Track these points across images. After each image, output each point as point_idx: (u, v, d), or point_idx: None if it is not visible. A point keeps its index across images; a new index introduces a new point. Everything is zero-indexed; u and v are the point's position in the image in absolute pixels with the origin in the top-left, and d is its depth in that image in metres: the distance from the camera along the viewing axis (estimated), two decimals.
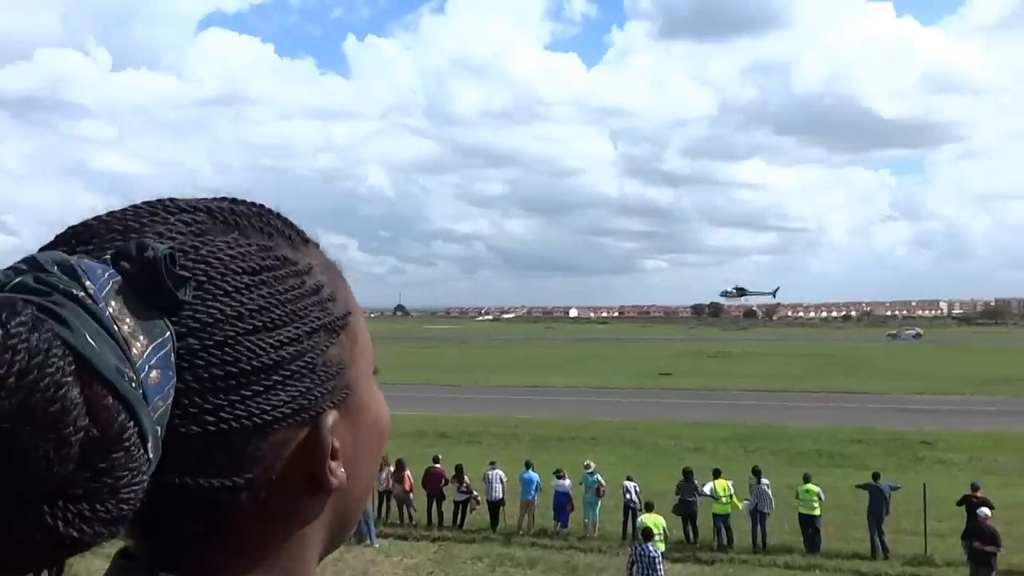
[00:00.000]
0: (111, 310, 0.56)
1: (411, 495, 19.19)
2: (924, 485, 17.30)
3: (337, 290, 0.73)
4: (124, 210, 0.68)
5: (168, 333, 0.58)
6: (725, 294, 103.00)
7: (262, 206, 0.74)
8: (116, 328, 0.55)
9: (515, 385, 50.10)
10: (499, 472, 19.27)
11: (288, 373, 0.63)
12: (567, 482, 18.65)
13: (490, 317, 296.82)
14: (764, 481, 18.10)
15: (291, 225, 0.75)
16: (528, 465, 19.41)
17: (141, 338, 0.56)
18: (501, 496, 19.13)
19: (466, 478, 19.03)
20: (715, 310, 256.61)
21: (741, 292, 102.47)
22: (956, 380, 50.17)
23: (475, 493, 19.09)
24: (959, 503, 16.05)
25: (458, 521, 19.10)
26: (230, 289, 0.63)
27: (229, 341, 0.61)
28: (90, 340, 0.53)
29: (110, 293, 0.57)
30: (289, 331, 0.64)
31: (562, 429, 31.79)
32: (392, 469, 18.80)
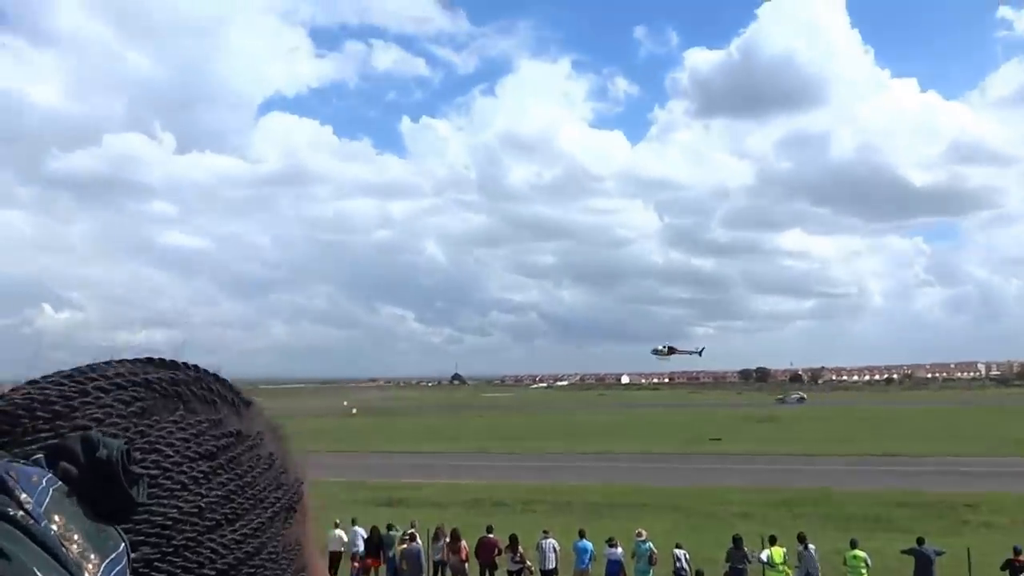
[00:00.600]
0: (55, 527, 0.46)
1: (466, 565, 19.52)
2: (968, 549, 17.51)
3: (286, 457, 0.69)
4: (43, 387, 0.58)
5: (123, 546, 0.50)
6: (656, 352, 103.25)
7: (198, 368, 0.69)
8: (64, 550, 0.46)
9: (569, 452, 50.52)
10: (552, 541, 19.52)
11: (251, 571, 0.58)
12: (619, 550, 18.95)
13: (544, 384, 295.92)
14: (811, 547, 18.41)
15: (230, 387, 0.71)
16: (581, 534, 19.74)
17: (92, 557, 0.48)
18: (554, 566, 19.35)
19: (520, 548, 19.22)
20: (762, 375, 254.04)
21: (671, 350, 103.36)
22: (998, 441, 49.11)
23: (528, 563, 19.20)
24: (1002, 567, 16.29)
25: None
26: (187, 481, 0.56)
27: (190, 544, 0.54)
28: (37, 573, 0.44)
29: (52, 506, 0.47)
30: (251, 520, 0.59)
31: (614, 496, 32.20)
32: (448, 539, 19.40)
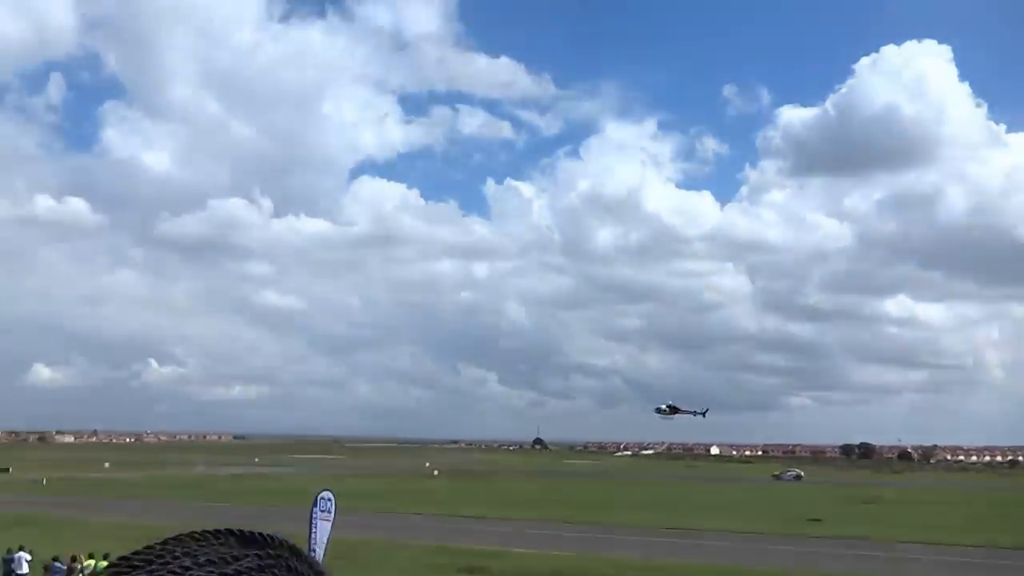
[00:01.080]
0: None
1: None
2: None
3: None
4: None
5: None
6: (659, 411, 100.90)
7: (281, 544, 0.78)
8: None
9: (656, 526, 48.45)
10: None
11: None
12: None
13: (629, 452, 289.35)
14: None
15: (310, 564, 0.80)
16: None
17: None
18: None
19: None
20: (865, 451, 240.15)
21: (674, 410, 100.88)
22: None
23: None
24: None
25: None
26: None
27: None
28: None
29: None
30: None
31: None
32: None
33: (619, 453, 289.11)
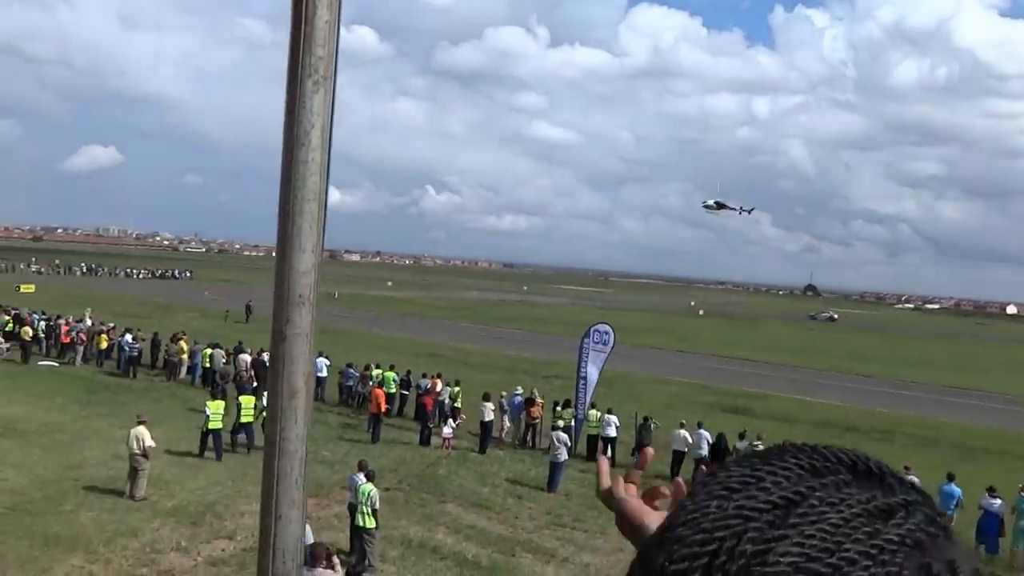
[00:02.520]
0: None
1: None
2: None
3: None
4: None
5: None
6: (705, 206, 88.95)
7: (913, 487, 0.71)
8: None
9: (937, 384, 45.62)
10: (913, 478, 18.05)
11: None
12: (999, 503, 16.80)
13: (911, 306, 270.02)
14: None
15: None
16: (951, 477, 17.86)
17: None
18: None
19: None
20: None
21: (720, 206, 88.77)
22: None
23: None
24: None
25: None
26: None
27: None
28: None
29: None
30: None
31: (990, 440, 28.52)
32: None
33: (900, 306, 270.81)
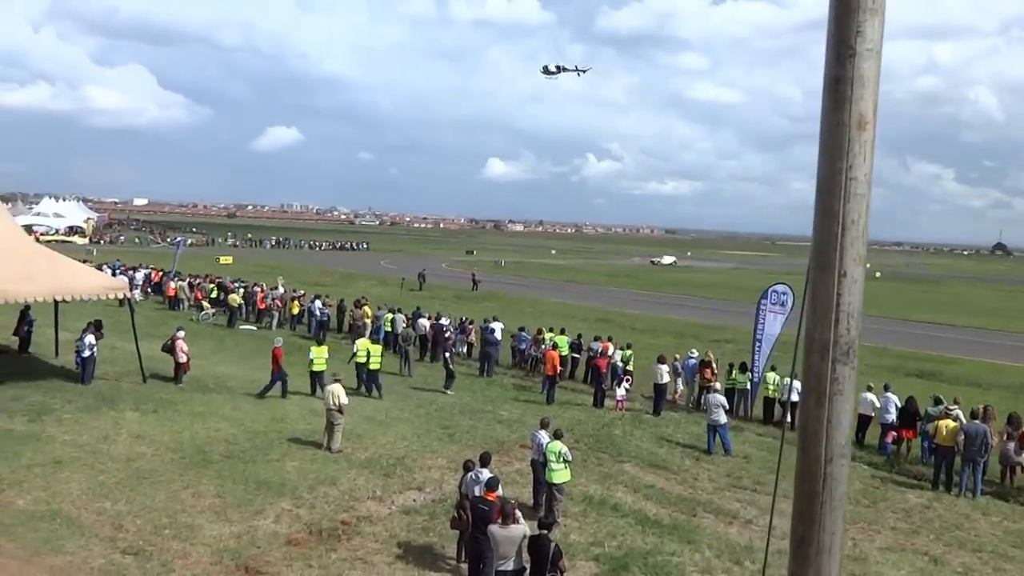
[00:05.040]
0: None
1: None
2: None
3: None
4: None
5: None
6: (546, 72, 78.24)
7: None
8: None
9: None
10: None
11: None
12: None
13: None
14: None
15: None
16: None
17: None
18: None
19: None
20: None
21: (560, 69, 78.22)
22: None
23: None
24: None
25: None
26: None
27: None
28: None
29: None
30: None
31: None
32: (1010, 426, 17.18)
33: None
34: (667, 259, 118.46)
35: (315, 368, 21.16)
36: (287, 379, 20.90)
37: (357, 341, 23.34)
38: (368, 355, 21.88)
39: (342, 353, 24.63)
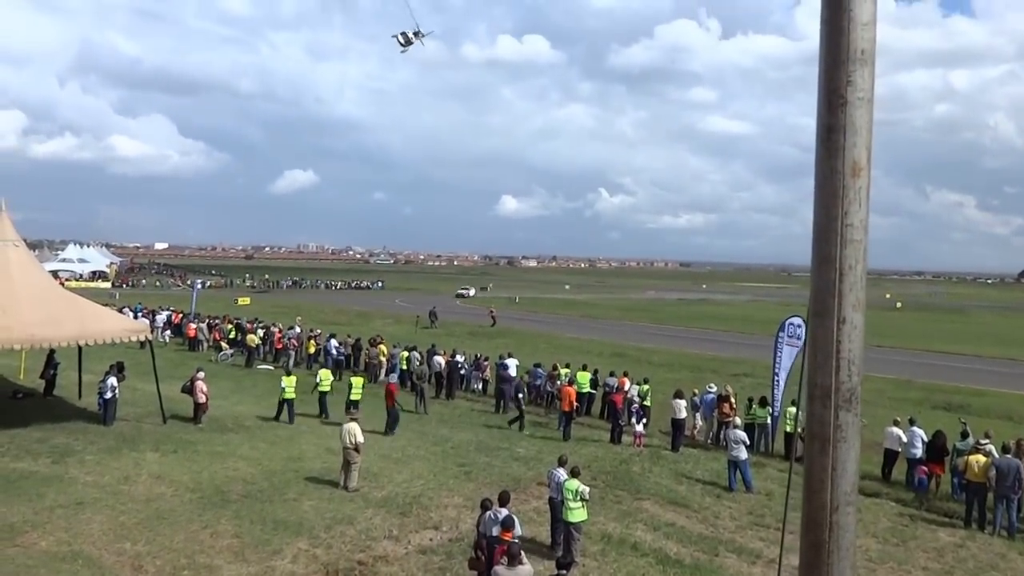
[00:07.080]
0: None
1: None
2: None
3: None
4: None
5: None
6: (401, 43, 63.51)
7: None
8: None
9: None
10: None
11: None
12: None
13: None
14: None
15: None
16: None
17: None
18: None
19: None
20: None
21: (417, 34, 63.91)
22: None
23: None
24: None
25: None
26: None
27: None
28: None
29: None
30: None
31: None
32: None
33: None
34: (471, 291, 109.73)
35: (286, 396, 22.88)
36: (400, 414, 22.49)
37: (320, 371, 26.11)
38: (331, 384, 24.96)
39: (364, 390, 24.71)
